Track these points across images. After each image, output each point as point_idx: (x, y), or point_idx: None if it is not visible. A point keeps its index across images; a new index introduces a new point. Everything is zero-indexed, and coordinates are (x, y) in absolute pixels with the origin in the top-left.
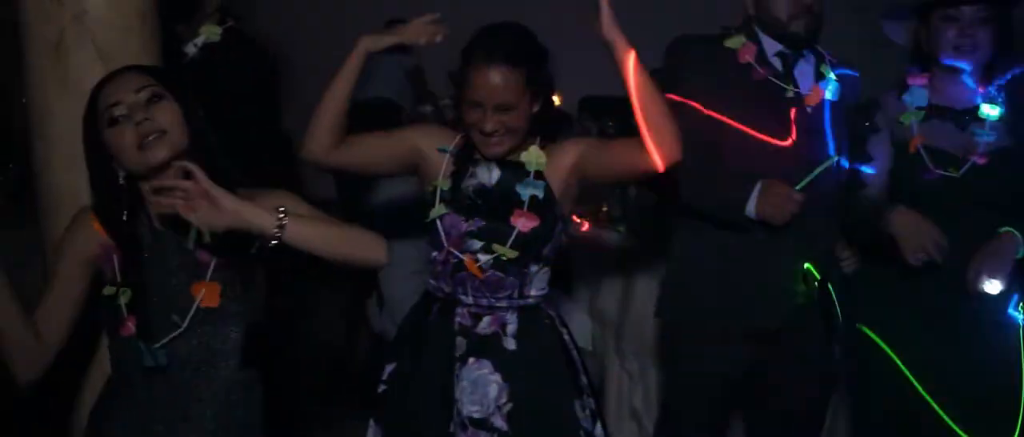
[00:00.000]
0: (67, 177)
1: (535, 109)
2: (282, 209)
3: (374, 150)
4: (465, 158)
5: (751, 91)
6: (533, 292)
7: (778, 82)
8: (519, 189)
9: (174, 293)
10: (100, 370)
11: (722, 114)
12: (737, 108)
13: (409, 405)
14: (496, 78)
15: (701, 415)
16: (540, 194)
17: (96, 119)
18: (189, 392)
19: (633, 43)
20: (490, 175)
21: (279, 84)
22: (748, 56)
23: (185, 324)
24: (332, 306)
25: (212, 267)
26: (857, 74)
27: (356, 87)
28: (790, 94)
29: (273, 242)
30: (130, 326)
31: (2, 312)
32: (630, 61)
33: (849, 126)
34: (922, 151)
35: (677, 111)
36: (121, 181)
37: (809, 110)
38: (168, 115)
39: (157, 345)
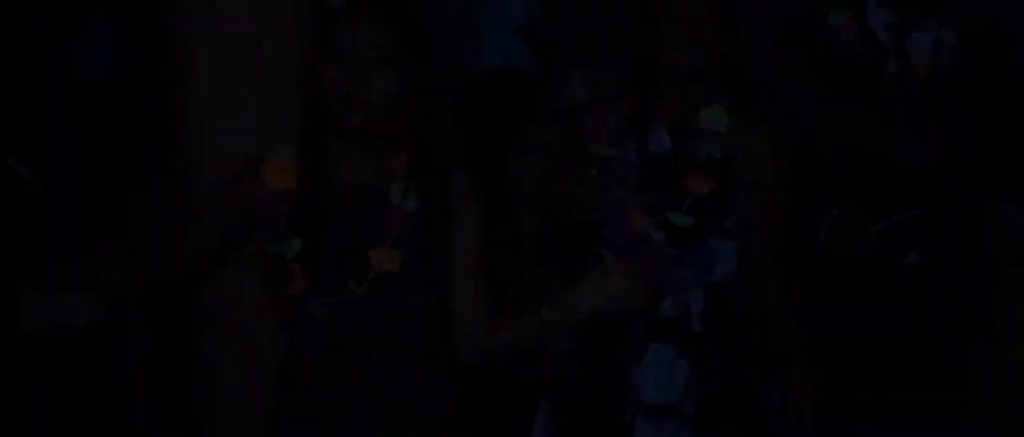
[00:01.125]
0: (210, 131)
1: (724, 44)
2: None
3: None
4: (637, 124)
5: (844, 71)
6: (720, 269)
7: (876, 57)
8: (696, 146)
9: (350, 254)
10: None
11: (812, 102)
12: (827, 91)
13: (585, 389)
14: None
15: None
16: (717, 153)
17: (323, 38)
18: (369, 361)
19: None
20: (661, 143)
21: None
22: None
23: (362, 290)
24: None
25: (395, 234)
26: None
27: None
28: (892, 70)
29: None
30: (298, 282)
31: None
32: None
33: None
34: None
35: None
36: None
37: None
38: (383, 89)
39: (329, 301)
